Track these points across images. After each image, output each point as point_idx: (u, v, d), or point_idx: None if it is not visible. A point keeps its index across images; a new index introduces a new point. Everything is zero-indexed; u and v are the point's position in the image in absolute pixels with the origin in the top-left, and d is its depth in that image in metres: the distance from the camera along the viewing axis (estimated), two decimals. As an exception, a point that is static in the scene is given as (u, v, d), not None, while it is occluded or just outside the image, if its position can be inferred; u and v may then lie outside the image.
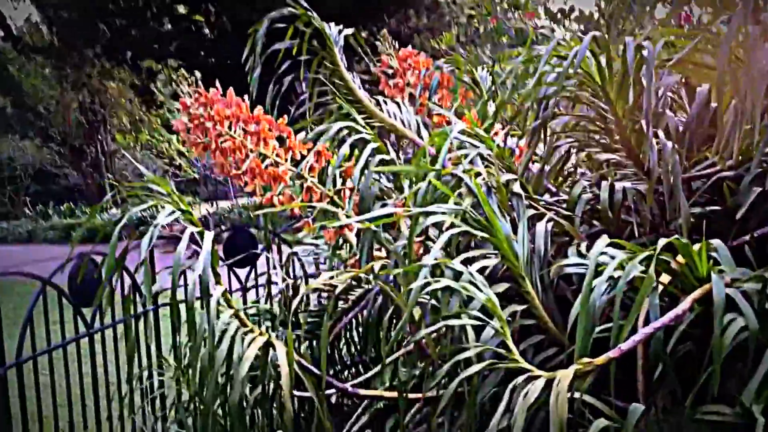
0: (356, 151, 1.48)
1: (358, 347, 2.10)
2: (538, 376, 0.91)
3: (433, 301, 1.17)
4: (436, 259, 1.05)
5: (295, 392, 1.37)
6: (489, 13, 9.41)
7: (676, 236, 1.05)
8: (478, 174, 1.25)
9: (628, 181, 1.50)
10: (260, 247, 2.81)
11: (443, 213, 1.15)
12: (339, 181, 1.55)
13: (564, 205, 1.50)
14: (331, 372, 2.03)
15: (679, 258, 1.12)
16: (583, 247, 1.34)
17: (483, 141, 1.38)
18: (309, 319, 2.06)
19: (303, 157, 1.45)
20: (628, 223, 1.50)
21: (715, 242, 1.11)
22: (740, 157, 1.54)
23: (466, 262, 1.11)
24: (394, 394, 1.20)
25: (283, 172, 1.36)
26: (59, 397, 2.11)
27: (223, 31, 13.74)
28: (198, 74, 1.39)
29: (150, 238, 1.01)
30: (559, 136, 1.59)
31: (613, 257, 1.21)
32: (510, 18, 9.43)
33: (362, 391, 1.23)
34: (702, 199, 1.54)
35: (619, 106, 1.43)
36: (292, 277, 2.41)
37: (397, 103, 1.80)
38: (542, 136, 1.56)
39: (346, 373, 2.06)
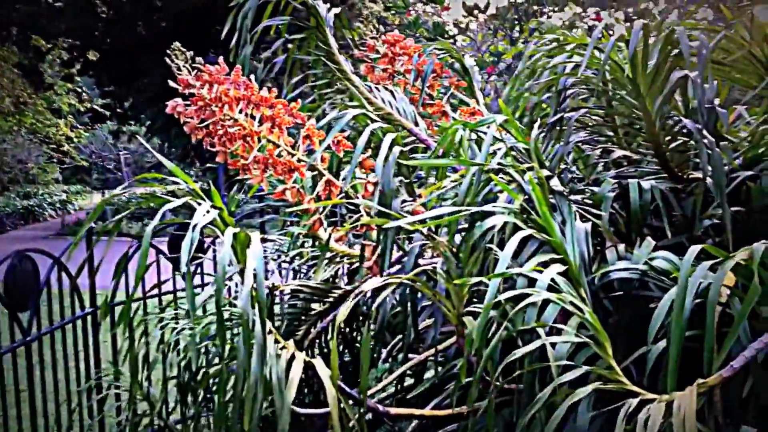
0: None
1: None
2: (652, 400, 0.81)
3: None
4: (508, 267, 0.93)
5: (306, 410, 1.23)
6: (406, 6, 9.39)
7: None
8: (525, 170, 1.14)
9: (649, 179, 1.44)
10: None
11: (502, 213, 1.03)
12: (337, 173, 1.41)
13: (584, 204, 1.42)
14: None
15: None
16: (621, 250, 1.26)
17: (515, 134, 1.27)
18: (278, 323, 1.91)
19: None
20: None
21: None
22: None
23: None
24: (445, 412, 1.08)
25: (298, 164, 1.20)
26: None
27: (121, 10, 13.01)
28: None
29: (191, 243, 0.83)
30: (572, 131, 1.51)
31: (671, 262, 1.14)
32: (422, 11, 9.43)
33: (410, 411, 1.09)
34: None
35: (649, 101, 1.36)
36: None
37: (390, 91, 1.67)
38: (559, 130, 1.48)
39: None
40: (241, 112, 1.18)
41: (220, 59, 1.22)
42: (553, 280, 0.94)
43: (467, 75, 1.84)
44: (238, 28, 1.55)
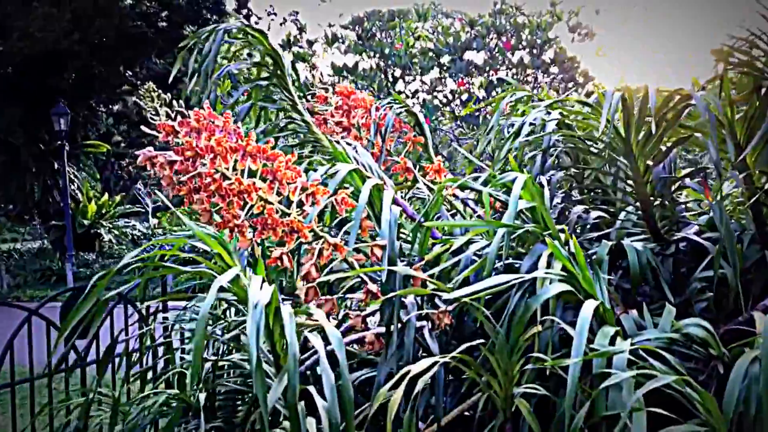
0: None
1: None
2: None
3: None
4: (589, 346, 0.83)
5: None
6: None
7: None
8: (557, 233, 1.05)
9: (634, 240, 1.41)
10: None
11: (560, 280, 0.93)
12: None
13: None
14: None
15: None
16: (635, 315, 1.19)
17: (524, 195, 1.19)
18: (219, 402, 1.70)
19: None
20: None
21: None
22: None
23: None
24: None
25: (304, 225, 1.04)
26: None
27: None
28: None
29: (257, 328, 0.66)
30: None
31: (706, 329, 1.08)
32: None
33: None
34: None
35: (641, 162, 1.33)
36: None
37: (352, 145, 1.54)
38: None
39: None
40: (235, 165, 1.02)
41: (205, 103, 1.05)
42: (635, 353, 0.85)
43: (422, 131, 1.76)
44: (192, 71, 1.37)
